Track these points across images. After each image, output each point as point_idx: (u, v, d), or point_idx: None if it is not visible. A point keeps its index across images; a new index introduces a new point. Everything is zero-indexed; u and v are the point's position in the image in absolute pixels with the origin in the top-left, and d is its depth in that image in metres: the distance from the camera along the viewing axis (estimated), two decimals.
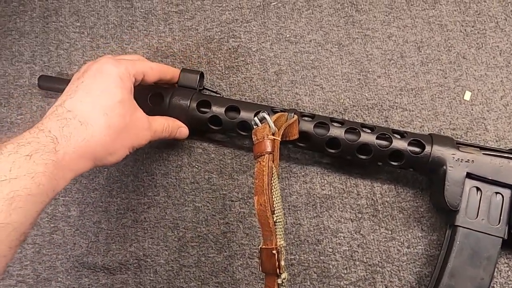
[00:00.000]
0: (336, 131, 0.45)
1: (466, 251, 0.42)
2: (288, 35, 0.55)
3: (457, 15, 0.55)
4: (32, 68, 0.56)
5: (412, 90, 0.52)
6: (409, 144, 0.44)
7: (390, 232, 0.48)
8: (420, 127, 0.51)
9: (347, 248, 0.48)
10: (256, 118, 0.41)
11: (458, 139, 0.49)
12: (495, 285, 0.46)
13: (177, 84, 0.49)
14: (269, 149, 0.39)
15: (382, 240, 0.48)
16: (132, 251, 0.49)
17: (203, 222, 0.49)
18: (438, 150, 0.44)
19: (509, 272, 0.46)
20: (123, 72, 0.40)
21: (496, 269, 0.43)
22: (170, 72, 0.48)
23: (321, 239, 0.48)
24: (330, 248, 0.48)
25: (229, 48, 0.55)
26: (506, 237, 0.42)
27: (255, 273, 0.48)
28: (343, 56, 0.54)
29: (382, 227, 0.48)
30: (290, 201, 0.49)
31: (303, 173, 0.50)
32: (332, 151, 0.45)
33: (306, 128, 0.45)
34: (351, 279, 0.47)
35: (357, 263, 0.47)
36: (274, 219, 0.38)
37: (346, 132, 0.45)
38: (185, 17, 0.57)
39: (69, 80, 0.43)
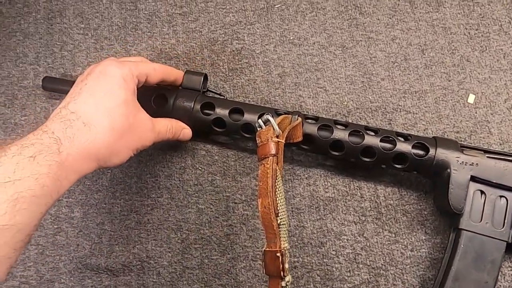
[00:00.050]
0: (340, 134, 0.45)
1: (470, 254, 0.42)
2: (291, 37, 0.55)
3: (461, 18, 0.55)
4: (36, 70, 0.56)
5: (415, 93, 0.52)
6: (413, 147, 0.44)
7: (393, 235, 0.48)
8: (424, 130, 0.51)
9: (351, 251, 0.48)
10: (260, 120, 0.41)
11: (462, 142, 0.49)
12: None
13: (181, 86, 0.50)
14: (273, 151, 0.39)
15: (386, 243, 0.48)
16: (135, 252, 0.49)
17: (207, 224, 0.49)
18: (442, 153, 0.44)
19: None
20: (126, 73, 0.40)
21: (500, 272, 0.43)
22: (173, 73, 0.48)
23: (324, 242, 0.48)
24: (333, 250, 0.48)
25: (233, 50, 0.55)
26: (510, 241, 0.42)
27: (258, 275, 0.48)
28: (347, 58, 0.54)
29: (385, 230, 0.48)
30: (293, 203, 0.49)
31: (306, 176, 0.50)
32: (336, 153, 0.45)
33: (310, 131, 0.45)
34: (354, 282, 0.47)
35: (361, 266, 0.47)
36: (278, 222, 0.38)
37: (350, 134, 0.45)
38: (189, 19, 0.57)
39: (73, 82, 0.43)
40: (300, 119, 0.44)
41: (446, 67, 0.53)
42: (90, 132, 0.36)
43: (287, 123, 0.44)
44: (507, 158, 0.44)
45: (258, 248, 0.48)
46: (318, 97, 0.53)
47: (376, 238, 0.48)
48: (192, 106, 0.47)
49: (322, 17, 0.56)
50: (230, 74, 0.54)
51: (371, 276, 0.47)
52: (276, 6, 0.57)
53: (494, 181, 0.43)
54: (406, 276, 0.47)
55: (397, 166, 0.45)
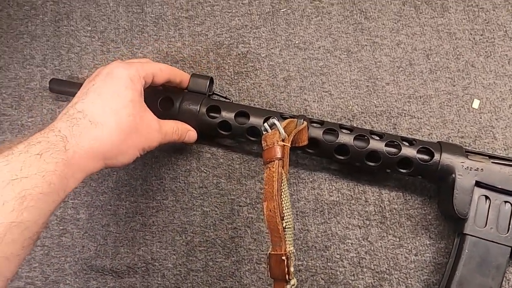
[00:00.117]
0: (345, 138, 0.45)
1: (474, 259, 0.42)
2: (297, 42, 0.56)
3: (466, 23, 0.55)
4: (43, 72, 0.57)
5: (420, 98, 0.53)
6: (418, 151, 0.44)
7: (398, 239, 0.48)
8: (429, 135, 0.51)
9: (355, 255, 0.48)
10: (266, 124, 0.41)
11: (467, 147, 0.49)
12: None
13: (187, 89, 0.50)
14: (279, 155, 0.39)
15: (390, 247, 0.48)
16: (140, 254, 0.49)
17: (211, 227, 0.50)
18: (447, 158, 0.44)
19: None
20: (133, 74, 0.41)
21: (504, 278, 0.43)
22: (179, 74, 0.49)
23: (328, 246, 0.48)
24: (337, 254, 0.48)
25: (238, 54, 0.56)
26: None
27: (263, 279, 0.48)
28: (352, 63, 0.54)
29: (390, 234, 0.48)
30: (298, 207, 0.50)
31: (311, 179, 0.50)
32: (341, 157, 0.46)
33: (315, 135, 0.45)
34: (358, 286, 0.47)
35: (365, 270, 0.47)
36: (284, 225, 0.38)
37: (355, 139, 0.45)
38: (195, 22, 0.57)
39: (80, 84, 0.44)
40: (305, 123, 0.45)
41: (451, 72, 0.53)
42: (96, 130, 0.36)
43: (292, 127, 0.44)
44: None
45: (262, 251, 0.48)
46: (323, 101, 0.53)
47: (381, 242, 0.48)
48: (198, 109, 0.48)
49: (328, 21, 0.56)
50: (235, 77, 0.55)
51: (375, 280, 0.47)
52: (282, 10, 0.57)
53: (499, 187, 0.43)
54: (410, 280, 0.47)
55: (402, 170, 0.45)
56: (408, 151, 0.44)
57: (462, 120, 0.51)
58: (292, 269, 0.37)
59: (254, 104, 0.53)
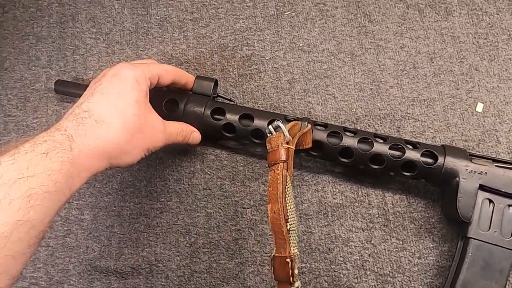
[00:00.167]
0: (349, 141, 0.45)
1: (478, 263, 0.42)
2: (301, 44, 0.56)
3: (469, 27, 0.55)
4: (49, 73, 0.57)
5: (424, 101, 0.53)
6: (422, 155, 0.44)
7: (401, 242, 0.48)
8: (432, 138, 0.51)
9: (358, 258, 0.48)
10: (270, 127, 0.41)
11: (470, 151, 0.49)
12: None
13: (191, 91, 0.50)
14: (283, 157, 0.40)
15: (393, 250, 0.48)
16: (144, 256, 0.49)
17: (215, 229, 0.50)
18: (451, 162, 0.44)
19: None
20: (139, 75, 0.41)
21: (508, 281, 0.43)
22: (184, 76, 0.49)
23: (332, 248, 0.48)
24: (341, 257, 0.48)
25: (243, 56, 0.56)
26: None
27: (266, 280, 0.48)
28: (356, 66, 0.55)
29: (393, 237, 0.48)
30: (301, 209, 0.50)
31: (314, 182, 0.50)
32: (345, 160, 0.46)
33: (319, 137, 0.46)
34: None
35: (368, 272, 0.47)
36: (288, 227, 0.38)
37: (359, 142, 0.45)
38: (200, 24, 0.58)
39: (85, 86, 0.44)
40: (309, 125, 0.45)
41: (455, 75, 0.54)
42: (102, 129, 0.37)
43: (297, 129, 0.44)
44: None
45: (266, 253, 0.49)
46: (327, 103, 0.53)
47: (384, 245, 0.48)
48: (203, 111, 0.48)
49: (332, 24, 0.56)
50: (239, 79, 0.55)
51: (379, 283, 0.47)
52: (286, 13, 0.57)
53: (503, 190, 0.43)
54: (414, 283, 0.47)
55: (405, 173, 0.45)
56: (412, 154, 0.44)
57: (466, 124, 0.52)
58: (296, 271, 0.37)
59: (258, 107, 0.54)
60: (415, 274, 0.47)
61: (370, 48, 0.55)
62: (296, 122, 0.45)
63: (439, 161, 0.44)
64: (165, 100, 0.48)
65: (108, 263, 0.49)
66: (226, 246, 0.49)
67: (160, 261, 0.49)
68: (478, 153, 0.48)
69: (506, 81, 0.53)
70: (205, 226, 0.50)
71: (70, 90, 0.53)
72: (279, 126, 0.41)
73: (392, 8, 0.57)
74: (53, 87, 0.54)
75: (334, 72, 0.55)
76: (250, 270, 0.48)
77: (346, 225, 0.49)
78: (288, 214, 0.38)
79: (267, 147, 0.41)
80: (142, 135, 0.40)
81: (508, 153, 0.50)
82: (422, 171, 0.44)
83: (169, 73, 0.46)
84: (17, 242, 0.30)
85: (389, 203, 0.49)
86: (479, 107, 0.52)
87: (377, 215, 0.49)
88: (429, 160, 0.44)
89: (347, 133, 0.46)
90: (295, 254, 0.38)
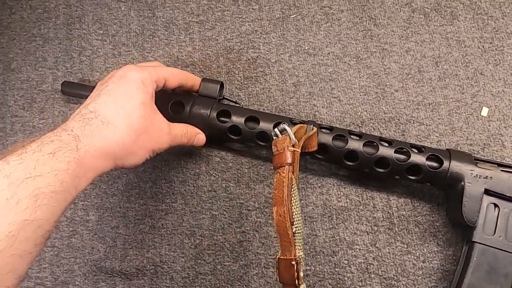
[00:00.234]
0: (355, 144, 0.45)
1: (483, 267, 0.42)
2: (306, 47, 0.56)
3: (475, 31, 0.55)
4: (55, 74, 0.57)
5: (429, 105, 0.53)
6: (427, 159, 0.44)
7: (405, 246, 0.48)
8: (437, 142, 0.51)
9: (363, 261, 0.48)
10: (276, 129, 0.41)
11: (476, 155, 0.49)
12: None
13: (197, 93, 0.50)
14: (289, 160, 0.40)
15: (398, 254, 0.48)
16: (149, 257, 0.50)
17: (220, 230, 0.50)
18: (456, 166, 0.44)
19: None
20: (145, 77, 0.42)
21: None
22: (191, 79, 0.49)
23: (336, 251, 0.48)
24: (345, 260, 0.48)
25: (248, 59, 0.56)
26: None
27: (271, 283, 0.48)
28: (361, 69, 0.55)
29: (397, 241, 0.48)
30: (306, 212, 0.50)
31: (319, 185, 0.51)
32: (350, 163, 0.46)
33: (324, 140, 0.46)
34: None
35: (372, 276, 0.47)
36: (293, 230, 0.38)
37: (364, 145, 0.45)
38: (206, 27, 0.58)
39: (91, 87, 0.44)
40: (315, 128, 0.45)
41: (460, 79, 0.54)
42: (108, 130, 0.37)
43: (302, 132, 0.44)
44: None
45: (270, 255, 0.49)
46: (332, 107, 0.54)
47: (388, 249, 0.48)
48: (209, 113, 0.48)
49: (337, 28, 0.57)
50: (245, 82, 0.55)
51: (383, 287, 0.47)
52: (292, 16, 0.57)
53: (508, 195, 0.43)
54: (418, 287, 0.47)
55: (411, 177, 0.45)
56: (417, 158, 0.45)
57: (471, 128, 0.52)
58: (301, 274, 0.37)
59: (264, 109, 0.54)
60: (420, 277, 0.47)
61: (375, 52, 0.55)
62: (302, 125, 0.45)
63: (444, 165, 0.44)
64: (171, 102, 0.49)
65: (113, 264, 0.50)
66: (230, 248, 0.49)
67: (165, 263, 0.49)
68: (483, 157, 0.48)
69: (511, 86, 0.53)
70: (210, 228, 0.50)
71: (77, 91, 0.54)
72: (285, 129, 0.41)
73: (397, 12, 0.57)
74: (60, 88, 0.54)
75: (339, 75, 0.55)
76: (254, 272, 0.48)
77: (351, 228, 0.49)
78: (293, 216, 0.38)
79: (273, 150, 0.41)
80: (147, 137, 0.41)
81: None
82: (427, 175, 0.44)
83: (176, 77, 0.46)
84: (24, 242, 0.30)
85: (394, 206, 0.49)
86: (484, 112, 0.52)
87: (381, 219, 0.49)
88: (435, 164, 0.45)
89: (352, 136, 0.46)
90: (300, 257, 0.38)
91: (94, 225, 0.51)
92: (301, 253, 0.38)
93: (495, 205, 0.43)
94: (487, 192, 0.43)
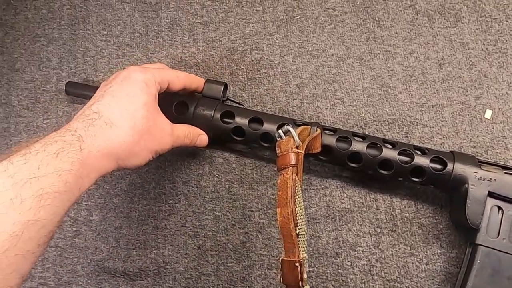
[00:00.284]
0: (358, 146, 0.45)
1: (486, 270, 0.42)
2: (310, 49, 0.56)
3: (478, 33, 0.55)
4: (59, 74, 0.58)
5: (433, 107, 0.53)
6: (431, 161, 0.44)
7: (409, 248, 0.48)
8: (441, 144, 0.51)
9: (366, 262, 0.48)
10: (280, 131, 0.41)
11: (479, 157, 0.49)
12: None
13: (201, 94, 0.50)
14: (293, 162, 0.40)
15: (401, 256, 0.48)
16: (152, 257, 0.50)
17: (223, 231, 0.50)
18: (460, 168, 0.44)
19: None
20: (149, 78, 0.42)
21: None
22: (195, 81, 0.49)
23: (339, 253, 0.48)
24: (348, 261, 0.48)
25: (252, 60, 0.56)
26: None
27: (274, 284, 0.48)
28: (365, 71, 0.55)
29: (401, 243, 0.48)
30: (309, 213, 0.50)
31: (323, 186, 0.51)
32: (354, 165, 0.46)
33: (328, 142, 0.46)
34: None
35: (375, 277, 0.47)
36: (297, 232, 0.38)
37: (368, 147, 0.45)
38: (209, 28, 0.58)
39: (95, 87, 0.45)
40: (319, 130, 0.45)
41: (464, 82, 0.54)
42: (111, 131, 0.37)
43: (306, 134, 0.44)
44: None
45: (273, 256, 0.49)
46: (336, 108, 0.54)
47: (391, 251, 0.48)
48: (212, 114, 0.48)
49: (341, 29, 0.57)
50: (249, 83, 0.55)
51: None
52: (296, 17, 0.57)
53: None
54: None
55: (414, 179, 0.45)
56: (421, 160, 0.44)
57: (475, 130, 0.52)
58: (305, 275, 0.37)
59: (267, 110, 0.54)
60: (423, 280, 0.47)
61: (379, 54, 0.55)
62: (306, 126, 0.45)
63: (448, 167, 0.44)
64: (175, 103, 0.49)
65: (116, 265, 0.50)
66: (233, 249, 0.49)
67: (168, 263, 0.49)
68: (487, 159, 0.48)
69: None
70: (213, 229, 0.50)
71: (81, 91, 0.54)
72: (289, 131, 0.41)
73: (401, 14, 0.57)
74: (64, 88, 0.55)
75: (343, 77, 0.55)
76: (257, 273, 0.48)
77: (354, 230, 0.49)
78: (297, 218, 0.38)
79: (277, 151, 0.41)
80: (150, 137, 0.41)
81: None
82: (431, 177, 0.44)
83: (181, 80, 0.46)
84: (28, 242, 0.30)
85: (397, 208, 0.49)
86: (488, 114, 0.52)
87: (385, 221, 0.49)
88: (438, 166, 0.44)
89: (356, 138, 0.46)
90: (304, 258, 0.38)
91: (97, 225, 0.51)
92: (305, 255, 0.38)
93: (499, 208, 0.43)
94: (491, 194, 0.43)
